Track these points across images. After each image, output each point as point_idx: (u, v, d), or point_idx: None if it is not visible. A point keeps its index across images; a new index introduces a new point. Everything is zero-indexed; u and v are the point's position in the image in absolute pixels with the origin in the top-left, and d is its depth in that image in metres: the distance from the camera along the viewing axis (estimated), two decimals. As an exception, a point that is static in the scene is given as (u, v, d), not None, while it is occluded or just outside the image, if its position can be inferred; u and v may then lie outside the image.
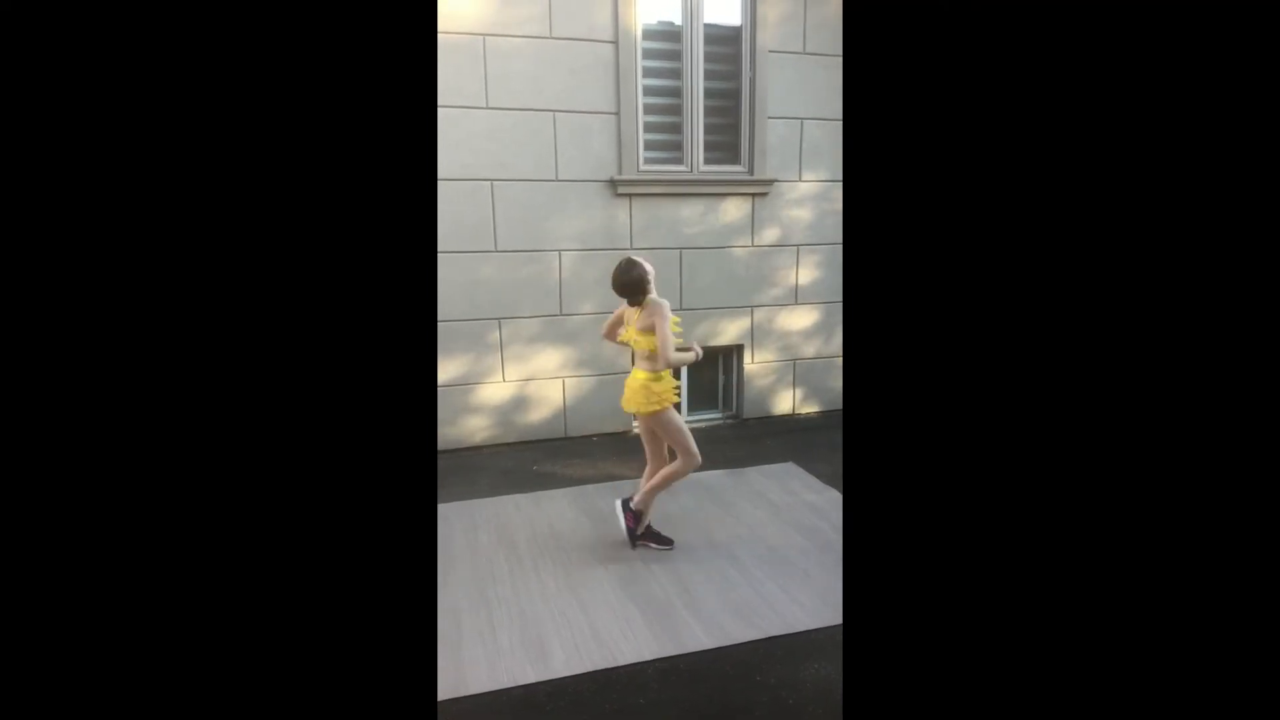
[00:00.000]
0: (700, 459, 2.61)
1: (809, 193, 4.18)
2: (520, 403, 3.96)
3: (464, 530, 2.90)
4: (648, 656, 2.05)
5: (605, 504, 3.14)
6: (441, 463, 3.67)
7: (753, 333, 4.26)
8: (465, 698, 1.89)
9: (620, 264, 2.49)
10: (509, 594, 2.41)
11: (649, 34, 3.82)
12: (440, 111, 3.49)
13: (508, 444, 3.95)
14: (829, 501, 3.13)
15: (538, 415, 4.01)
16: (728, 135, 4.05)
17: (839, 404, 4.53)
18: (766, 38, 3.92)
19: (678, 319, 2.49)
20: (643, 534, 2.72)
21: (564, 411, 4.03)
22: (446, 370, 3.81)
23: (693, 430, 4.19)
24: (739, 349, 4.28)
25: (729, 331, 4.21)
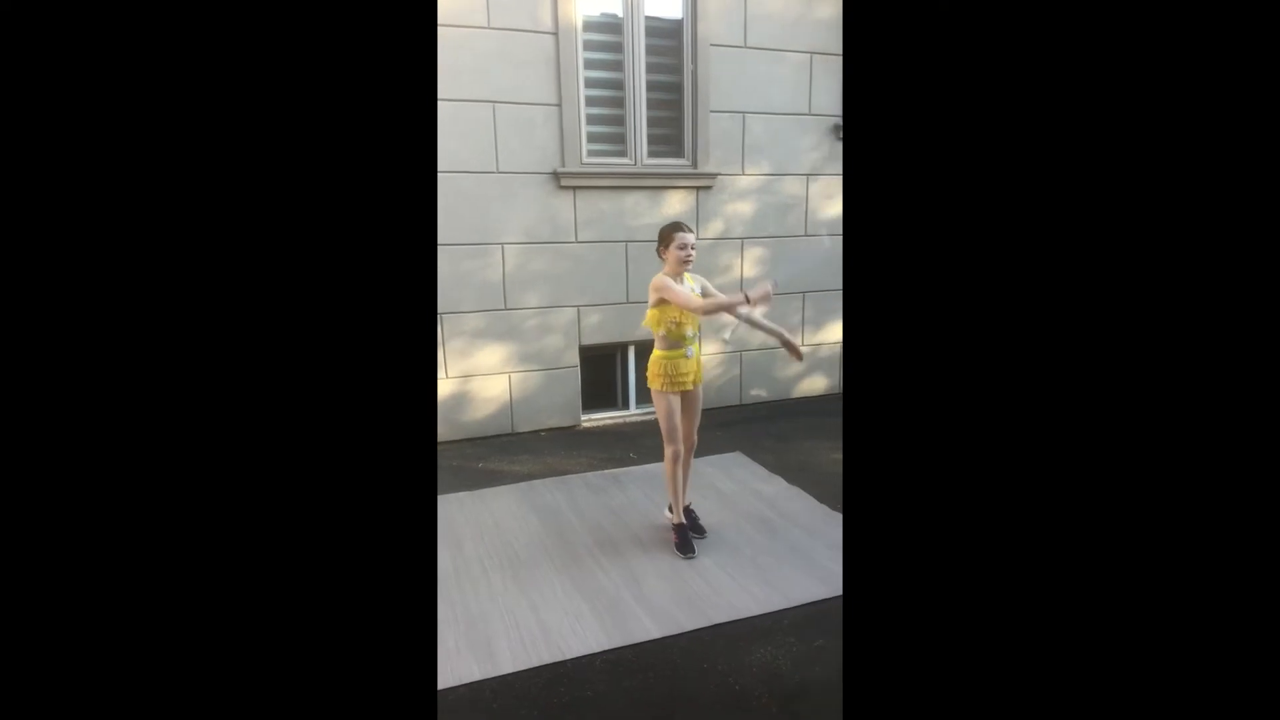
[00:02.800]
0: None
1: (751, 186, 4.22)
2: (463, 399, 3.89)
3: (407, 530, 2.84)
4: (595, 649, 2.04)
5: (553, 499, 3.11)
6: (384, 462, 3.58)
7: (699, 325, 4.28)
8: (408, 699, 1.85)
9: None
10: (454, 594, 2.37)
11: (590, 26, 3.79)
12: (376, 101, 3.40)
13: (452, 441, 3.88)
14: (776, 490, 3.17)
15: (483, 411, 3.95)
16: (671, 128, 4.05)
17: (785, 394, 4.60)
18: (708, 30, 3.93)
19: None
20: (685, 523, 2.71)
21: (510, 407, 3.99)
22: (388, 367, 3.72)
23: (640, 423, 4.22)
24: (686, 342, 4.30)
25: (675, 324, 4.22)
